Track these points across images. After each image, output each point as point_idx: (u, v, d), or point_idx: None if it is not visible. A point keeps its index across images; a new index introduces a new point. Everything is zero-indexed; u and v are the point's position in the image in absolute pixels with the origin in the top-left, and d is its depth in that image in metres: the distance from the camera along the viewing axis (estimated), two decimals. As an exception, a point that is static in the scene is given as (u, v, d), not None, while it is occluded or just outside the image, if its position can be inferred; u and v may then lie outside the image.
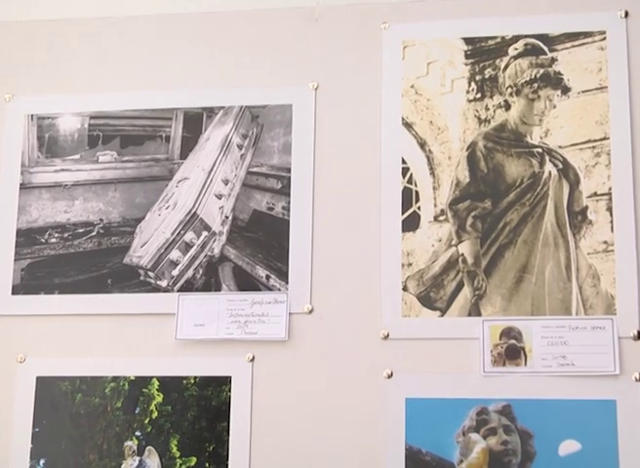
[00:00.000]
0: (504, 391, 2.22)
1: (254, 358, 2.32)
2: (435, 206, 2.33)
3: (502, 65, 2.37)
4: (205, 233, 2.40)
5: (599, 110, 2.31)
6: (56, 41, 2.54)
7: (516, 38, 2.37)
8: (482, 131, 2.35)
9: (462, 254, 2.30)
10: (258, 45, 2.46)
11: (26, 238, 2.46)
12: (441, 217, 2.33)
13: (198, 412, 2.32)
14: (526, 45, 2.37)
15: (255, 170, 2.42)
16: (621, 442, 2.14)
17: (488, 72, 2.37)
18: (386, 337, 2.29)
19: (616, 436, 2.15)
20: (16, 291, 2.44)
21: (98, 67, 2.51)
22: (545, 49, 2.35)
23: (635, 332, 2.19)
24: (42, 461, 2.35)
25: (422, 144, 2.36)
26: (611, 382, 2.18)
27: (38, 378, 2.39)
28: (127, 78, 2.50)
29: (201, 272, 2.38)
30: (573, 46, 2.34)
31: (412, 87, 2.40)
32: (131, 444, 2.33)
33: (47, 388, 2.38)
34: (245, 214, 2.40)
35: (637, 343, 2.18)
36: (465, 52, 2.39)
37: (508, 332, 2.24)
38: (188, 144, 2.45)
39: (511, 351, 2.23)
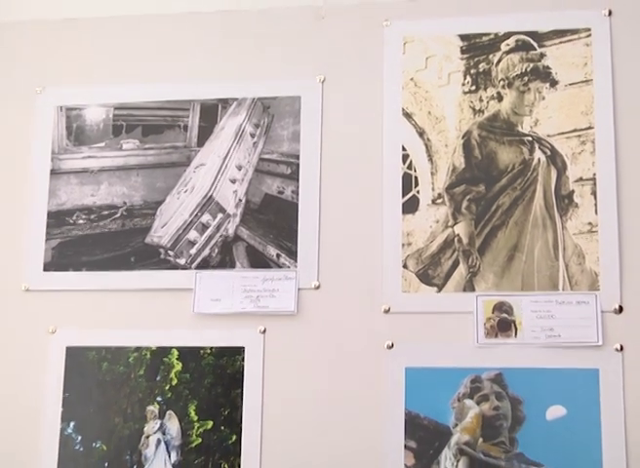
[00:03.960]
0: (496, 361, 2.20)
1: (265, 330, 2.29)
2: (433, 190, 2.30)
3: (495, 60, 2.33)
4: (220, 215, 2.37)
5: (584, 102, 2.27)
6: (83, 38, 2.51)
7: (508, 35, 2.34)
8: (476, 120, 2.32)
9: (458, 235, 2.27)
10: (268, 41, 2.43)
11: (56, 219, 2.43)
12: (438, 201, 2.30)
13: (214, 380, 2.29)
14: (517, 41, 2.33)
15: (266, 156, 2.38)
16: (603, 407, 2.13)
17: (482, 66, 2.34)
18: (387, 311, 2.26)
19: (598, 401, 2.13)
20: (47, 268, 2.41)
21: (121, 62, 2.49)
22: (535, 45, 2.32)
23: (617, 307, 2.16)
24: (72, 424, 2.33)
25: (421, 133, 2.33)
26: (594, 352, 2.16)
27: (68, 348, 2.37)
28: (148, 72, 2.47)
29: (217, 251, 2.35)
30: (560, 42, 2.31)
31: (411, 80, 2.36)
32: (152, 408, 2.31)
33: (76, 357, 2.36)
34: (257, 197, 2.37)
35: (618, 317, 2.16)
36: (461, 47, 2.35)
37: (500, 307, 2.21)
38: (205, 133, 2.42)
39: (503, 324, 2.20)
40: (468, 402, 2.18)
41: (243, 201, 2.37)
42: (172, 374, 2.31)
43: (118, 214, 2.41)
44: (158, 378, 2.31)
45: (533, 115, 2.29)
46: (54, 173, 2.46)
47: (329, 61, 2.39)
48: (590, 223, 2.21)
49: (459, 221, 2.27)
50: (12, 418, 2.34)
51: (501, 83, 2.31)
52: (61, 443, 2.32)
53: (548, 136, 2.27)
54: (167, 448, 2.28)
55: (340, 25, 2.40)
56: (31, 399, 2.34)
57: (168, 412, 2.30)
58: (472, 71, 2.33)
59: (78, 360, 2.35)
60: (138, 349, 2.33)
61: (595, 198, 2.22)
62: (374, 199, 2.31)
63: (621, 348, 2.14)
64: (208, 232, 2.36)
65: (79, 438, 2.32)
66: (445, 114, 2.33)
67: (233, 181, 2.38)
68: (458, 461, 2.16)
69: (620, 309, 2.16)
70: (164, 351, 2.32)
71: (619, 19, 2.28)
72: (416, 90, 2.35)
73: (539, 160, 2.26)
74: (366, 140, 2.34)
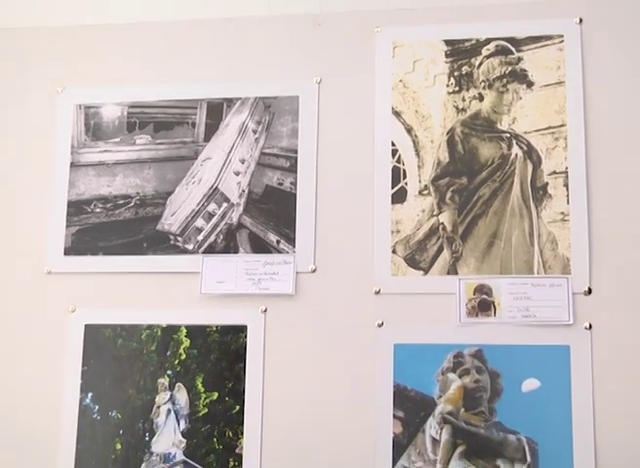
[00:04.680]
0: (477, 338, 2.21)
1: (266, 309, 2.30)
2: (420, 182, 2.30)
3: (477, 63, 2.33)
4: (225, 204, 2.37)
5: (558, 101, 2.28)
6: (100, 43, 2.51)
7: (488, 40, 2.34)
8: (459, 118, 2.32)
9: (442, 223, 2.28)
10: (270, 45, 2.43)
11: (75, 208, 2.43)
12: (425, 192, 2.30)
13: (219, 355, 2.30)
14: (497, 46, 2.33)
15: (267, 151, 2.38)
16: (574, 380, 2.14)
17: (465, 69, 2.34)
18: (378, 293, 2.26)
19: (569, 375, 2.14)
20: (67, 252, 2.41)
21: (135, 65, 2.49)
22: (513, 49, 2.32)
23: (586, 289, 2.18)
24: (90, 395, 2.34)
25: (409, 130, 2.33)
26: (565, 331, 2.17)
27: (86, 326, 2.37)
28: (159, 73, 2.47)
29: (221, 237, 2.36)
30: (536, 47, 2.31)
31: (400, 81, 2.36)
32: (163, 381, 2.32)
33: (93, 334, 2.36)
34: (259, 188, 2.37)
35: (588, 298, 2.17)
36: (446, 52, 2.35)
37: (481, 289, 2.22)
38: (211, 129, 2.42)
39: (483, 304, 2.21)
40: (451, 375, 2.19)
41: (246, 192, 2.37)
42: (180, 350, 2.31)
43: (132, 204, 2.41)
44: (168, 354, 2.32)
45: (511, 114, 2.29)
46: (73, 165, 2.45)
47: (325, 64, 2.39)
48: (563, 213, 2.22)
49: (443, 211, 2.28)
50: (35, 390, 2.35)
51: (482, 84, 2.31)
52: (81, 412, 2.32)
53: (525, 132, 2.27)
54: (176, 417, 2.29)
55: (336, 32, 2.40)
56: (53, 372, 2.35)
57: (177, 385, 2.30)
58: (456, 73, 2.33)
59: (95, 337, 2.35)
60: (149, 327, 2.34)
61: (567, 190, 2.23)
62: (365, 190, 2.31)
63: (590, 327, 2.16)
64: (214, 220, 2.36)
65: (96, 407, 2.33)
66: (431, 113, 2.33)
67: (237, 174, 2.37)
68: (441, 429, 2.17)
69: (590, 291, 2.18)
70: (173, 329, 2.32)
71: (588, 26, 2.29)
72: (404, 90, 2.35)
73: (516, 155, 2.27)
74: (358, 136, 2.34)
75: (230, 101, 2.42)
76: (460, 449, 2.16)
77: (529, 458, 2.12)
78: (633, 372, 2.12)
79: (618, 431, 2.10)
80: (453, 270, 2.24)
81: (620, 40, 2.27)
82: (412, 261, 2.26)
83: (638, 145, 2.22)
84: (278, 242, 2.32)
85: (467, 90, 2.32)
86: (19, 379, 2.36)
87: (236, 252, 2.34)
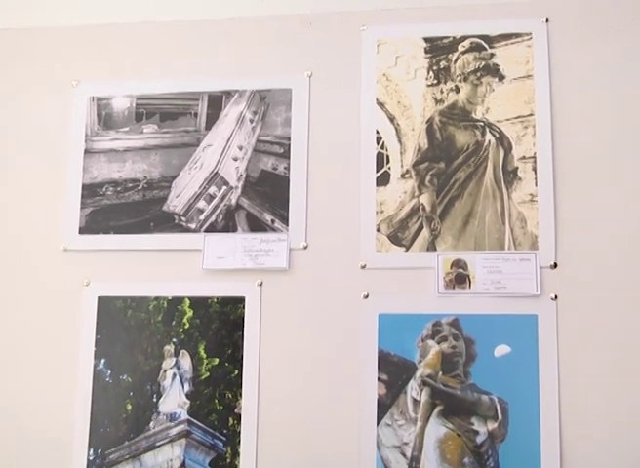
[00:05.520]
0: (454, 308, 2.21)
1: (262, 283, 2.30)
2: (402, 166, 2.30)
3: (453, 58, 2.32)
4: (224, 187, 2.36)
5: (527, 93, 2.27)
6: (111, 42, 2.50)
7: (464, 38, 2.33)
8: (438, 109, 2.31)
9: (422, 204, 2.27)
10: (265, 43, 2.42)
11: (89, 191, 2.42)
12: (406, 175, 2.29)
13: (220, 324, 2.30)
14: (471, 43, 2.32)
15: (263, 138, 2.37)
16: (541, 345, 2.15)
17: (442, 64, 2.33)
18: (364, 267, 2.26)
19: (537, 341, 2.15)
20: (82, 231, 2.40)
21: (143, 61, 2.48)
22: (486, 46, 2.32)
23: (552, 263, 2.18)
24: (103, 360, 2.34)
25: (392, 119, 2.32)
26: (533, 301, 2.17)
27: (99, 298, 2.36)
28: (165, 68, 2.46)
29: (221, 217, 2.35)
30: (507, 44, 2.31)
31: (384, 75, 2.35)
32: (169, 348, 2.32)
33: (106, 305, 2.36)
34: (255, 172, 2.36)
35: (554, 271, 2.18)
36: (425, 48, 2.34)
37: (457, 263, 2.22)
38: (211, 119, 2.40)
39: (459, 277, 2.21)
40: (430, 342, 2.19)
41: (243, 176, 2.36)
42: (184, 320, 2.31)
43: (140, 187, 2.40)
44: (173, 323, 2.32)
45: (484, 104, 2.28)
46: (87, 152, 2.44)
47: (315, 60, 2.38)
48: (531, 194, 2.22)
49: (423, 193, 2.27)
50: (53, 356, 2.36)
51: (458, 78, 2.31)
52: (95, 376, 2.32)
53: (497, 121, 2.27)
54: (181, 381, 2.29)
55: (325, 30, 2.39)
56: (69, 340, 2.35)
57: (181, 351, 2.30)
58: (434, 68, 2.32)
59: (108, 308, 2.35)
60: (156, 299, 2.33)
61: (535, 173, 2.22)
62: (352, 173, 2.30)
63: (556, 297, 2.16)
64: (214, 202, 2.35)
65: (109, 372, 2.33)
66: (412, 103, 2.32)
67: (235, 159, 2.37)
68: (421, 391, 2.17)
69: (555, 265, 2.18)
70: (178, 300, 2.32)
71: (554, 25, 2.29)
72: (387, 83, 2.34)
73: (489, 141, 2.26)
74: (346, 125, 2.33)
75: (229, 94, 2.40)
76: (438, 409, 2.16)
77: (500, 416, 2.13)
78: (594, 339, 2.14)
79: (580, 391, 2.12)
80: (432, 247, 2.24)
81: (583, 37, 2.27)
82: (394, 239, 2.26)
83: (600, 133, 2.22)
84: (273, 221, 2.32)
85: (445, 83, 2.31)
86: (38, 347, 2.37)
87: (235, 230, 2.33)
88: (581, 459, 2.09)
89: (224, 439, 2.24)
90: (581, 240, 2.18)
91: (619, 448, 2.08)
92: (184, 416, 2.27)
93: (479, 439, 2.13)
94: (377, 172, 2.29)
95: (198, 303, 2.31)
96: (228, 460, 2.23)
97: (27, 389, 2.35)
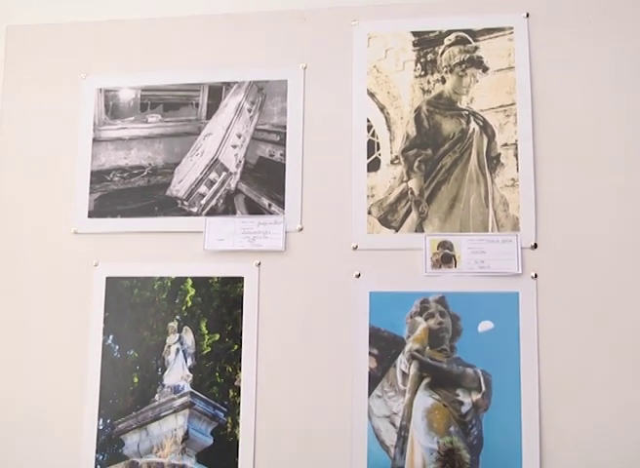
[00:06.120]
0: (440, 286, 2.20)
1: (260, 263, 2.29)
2: (391, 153, 2.28)
3: (440, 51, 2.31)
4: (224, 173, 2.35)
5: (509, 84, 2.26)
6: (117, 36, 2.49)
7: (449, 32, 2.31)
8: (425, 98, 2.30)
9: (411, 188, 2.26)
10: (262, 37, 2.41)
11: (97, 177, 2.41)
12: (395, 161, 2.28)
13: (220, 302, 2.29)
14: (457, 37, 2.31)
15: (260, 127, 2.36)
16: (522, 321, 2.14)
17: (429, 56, 2.31)
18: (356, 248, 2.26)
19: (518, 317, 2.14)
20: (90, 215, 2.39)
21: (147, 54, 2.46)
22: (471, 39, 2.30)
23: (532, 244, 2.18)
24: (111, 336, 2.33)
25: (382, 108, 2.31)
26: (515, 279, 2.17)
27: (107, 278, 2.36)
28: (168, 62, 2.45)
29: (221, 201, 2.34)
30: (490, 37, 2.29)
31: (374, 67, 2.34)
32: (173, 324, 2.31)
33: (113, 285, 2.35)
34: (253, 159, 2.35)
35: (534, 252, 2.18)
36: (413, 41, 2.33)
37: (443, 244, 2.21)
38: (212, 109, 2.39)
39: (445, 258, 2.21)
40: (418, 318, 2.19)
41: (242, 162, 2.34)
42: (187, 298, 2.31)
43: (145, 173, 2.39)
44: (176, 301, 2.31)
45: (469, 94, 2.27)
46: (95, 141, 2.43)
47: (310, 53, 2.36)
48: (513, 179, 2.21)
49: (411, 178, 2.26)
50: (64, 333, 2.36)
51: (445, 69, 2.29)
52: (103, 351, 2.32)
53: (481, 110, 2.26)
54: (184, 355, 2.28)
55: (318, 25, 2.38)
56: (80, 318, 2.35)
57: (184, 327, 2.30)
58: (422, 60, 2.31)
59: (115, 287, 2.34)
60: (161, 278, 2.33)
61: (517, 159, 2.21)
62: (345, 160, 2.29)
63: (536, 276, 2.16)
64: (215, 187, 2.34)
65: (117, 347, 2.32)
66: (401, 93, 2.30)
67: (234, 147, 2.36)
68: (410, 364, 2.17)
69: (535, 246, 2.18)
70: (181, 280, 2.31)
71: (534, 20, 2.28)
72: (377, 75, 2.32)
73: (473, 129, 2.25)
74: (338, 114, 2.32)
75: (228, 85, 2.39)
76: (425, 381, 2.16)
77: (484, 388, 2.13)
78: (572, 314, 2.14)
79: (558, 363, 2.12)
80: (420, 229, 2.23)
81: (561, 31, 2.27)
82: (385, 221, 2.25)
83: (577, 120, 2.22)
84: (270, 205, 2.31)
85: (432, 74, 2.30)
86: (50, 324, 2.37)
87: (234, 213, 2.32)
88: (560, 427, 2.10)
89: (225, 410, 2.24)
90: (560, 222, 2.18)
91: (594, 415, 2.09)
92: (187, 389, 2.27)
93: (464, 409, 2.13)
94: (367, 158, 2.28)
95: (200, 283, 2.30)
96: (229, 429, 2.23)
97: (41, 364, 2.35)
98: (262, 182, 2.32)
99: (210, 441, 2.23)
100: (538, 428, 2.09)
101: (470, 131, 2.25)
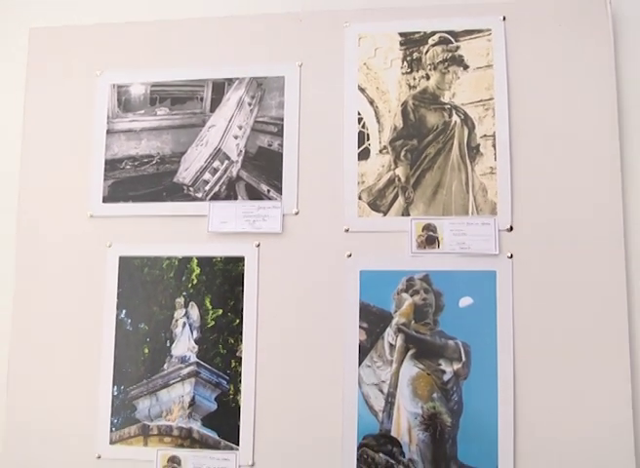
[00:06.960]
0: (425, 265, 2.19)
1: (259, 244, 2.28)
2: (380, 143, 2.27)
3: (424, 50, 2.29)
4: (227, 161, 2.34)
5: (487, 80, 2.24)
6: (130, 36, 2.47)
7: (433, 33, 2.29)
8: (411, 93, 2.28)
9: (398, 176, 2.25)
10: (261, 37, 2.39)
11: (111, 165, 2.40)
12: (384, 151, 2.27)
13: (223, 280, 2.28)
14: (440, 37, 2.29)
15: (259, 119, 2.35)
16: (499, 297, 2.13)
17: (415, 55, 2.30)
18: (347, 231, 2.24)
19: (495, 293, 2.14)
20: (105, 200, 2.38)
21: (156, 53, 2.44)
22: (452, 40, 2.28)
23: (508, 227, 2.17)
24: (124, 311, 2.32)
25: (371, 102, 2.29)
26: (493, 259, 2.17)
27: (120, 258, 2.34)
28: (176, 60, 2.43)
29: (224, 187, 2.33)
30: (470, 38, 2.27)
31: (364, 64, 2.32)
32: (180, 300, 2.30)
33: (126, 264, 2.34)
34: (253, 148, 2.33)
35: (510, 234, 2.17)
36: (400, 41, 2.31)
37: (428, 227, 2.20)
38: (215, 103, 2.38)
39: (429, 239, 2.20)
40: (405, 295, 2.18)
41: (243, 151, 2.33)
42: (193, 276, 2.30)
43: (154, 162, 2.37)
44: (183, 279, 2.30)
45: (451, 90, 2.26)
46: (109, 132, 2.42)
47: (305, 51, 2.35)
48: (491, 167, 2.20)
49: (398, 166, 2.25)
50: (81, 308, 2.35)
51: (429, 67, 2.28)
52: (117, 324, 2.30)
53: (462, 104, 2.24)
54: (190, 329, 2.28)
55: (313, 26, 2.36)
56: (95, 294, 2.35)
57: (190, 303, 2.29)
58: (408, 58, 2.29)
59: (127, 266, 2.33)
60: (169, 258, 2.31)
61: (495, 149, 2.20)
62: (337, 149, 2.28)
63: (511, 256, 2.16)
64: (218, 174, 2.33)
65: (129, 321, 2.31)
66: (389, 89, 2.29)
67: (236, 137, 2.35)
68: (397, 336, 2.17)
69: (511, 228, 2.17)
70: (187, 260, 2.30)
71: (510, 22, 2.26)
72: (367, 71, 2.31)
73: (455, 122, 2.24)
74: (331, 108, 2.31)
75: (230, 81, 2.38)
76: (411, 352, 2.16)
77: (464, 358, 2.12)
78: (544, 291, 2.15)
79: (532, 335, 2.13)
80: (406, 212, 2.22)
81: (534, 33, 2.25)
82: (374, 206, 2.24)
83: (550, 113, 2.22)
84: (268, 191, 2.30)
85: (417, 71, 2.28)
86: (68, 300, 2.37)
87: (235, 198, 2.31)
88: (533, 393, 2.10)
89: (228, 378, 2.23)
90: (534, 206, 2.17)
91: (566, 383, 2.10)
92: (193, 359, 2.26)
93: (446, 377, 2.13)
94: (358, 148, 2.26)
95: (204, 262, 2.29)
96: (231, 396, 2.23)
97: (59, 336, 2.35)
98: (262, 170, 2.31)
99: (214, 406, 2.23)
100: (512, 394, 2.10)
101: (452, 123, 2.24)
